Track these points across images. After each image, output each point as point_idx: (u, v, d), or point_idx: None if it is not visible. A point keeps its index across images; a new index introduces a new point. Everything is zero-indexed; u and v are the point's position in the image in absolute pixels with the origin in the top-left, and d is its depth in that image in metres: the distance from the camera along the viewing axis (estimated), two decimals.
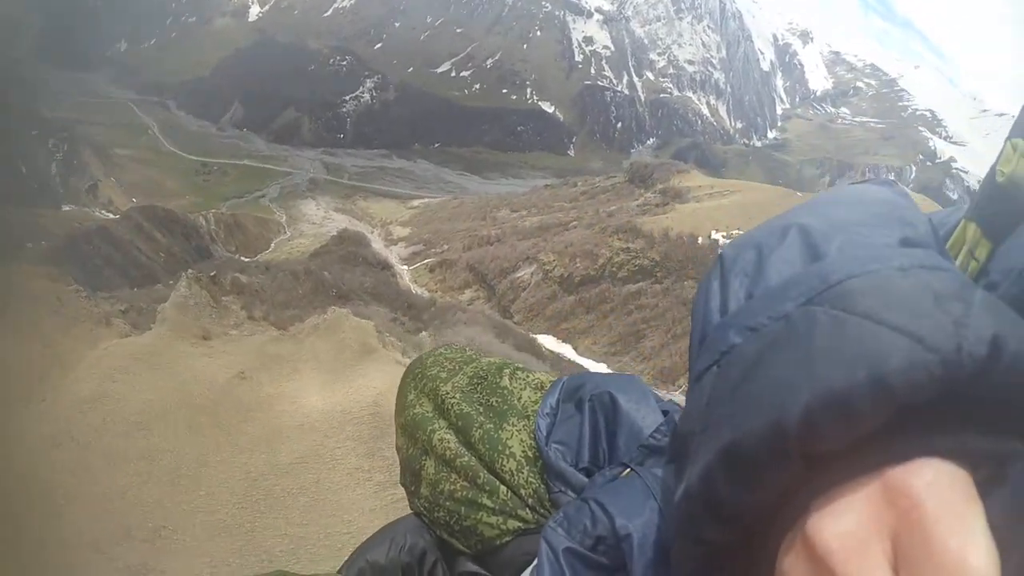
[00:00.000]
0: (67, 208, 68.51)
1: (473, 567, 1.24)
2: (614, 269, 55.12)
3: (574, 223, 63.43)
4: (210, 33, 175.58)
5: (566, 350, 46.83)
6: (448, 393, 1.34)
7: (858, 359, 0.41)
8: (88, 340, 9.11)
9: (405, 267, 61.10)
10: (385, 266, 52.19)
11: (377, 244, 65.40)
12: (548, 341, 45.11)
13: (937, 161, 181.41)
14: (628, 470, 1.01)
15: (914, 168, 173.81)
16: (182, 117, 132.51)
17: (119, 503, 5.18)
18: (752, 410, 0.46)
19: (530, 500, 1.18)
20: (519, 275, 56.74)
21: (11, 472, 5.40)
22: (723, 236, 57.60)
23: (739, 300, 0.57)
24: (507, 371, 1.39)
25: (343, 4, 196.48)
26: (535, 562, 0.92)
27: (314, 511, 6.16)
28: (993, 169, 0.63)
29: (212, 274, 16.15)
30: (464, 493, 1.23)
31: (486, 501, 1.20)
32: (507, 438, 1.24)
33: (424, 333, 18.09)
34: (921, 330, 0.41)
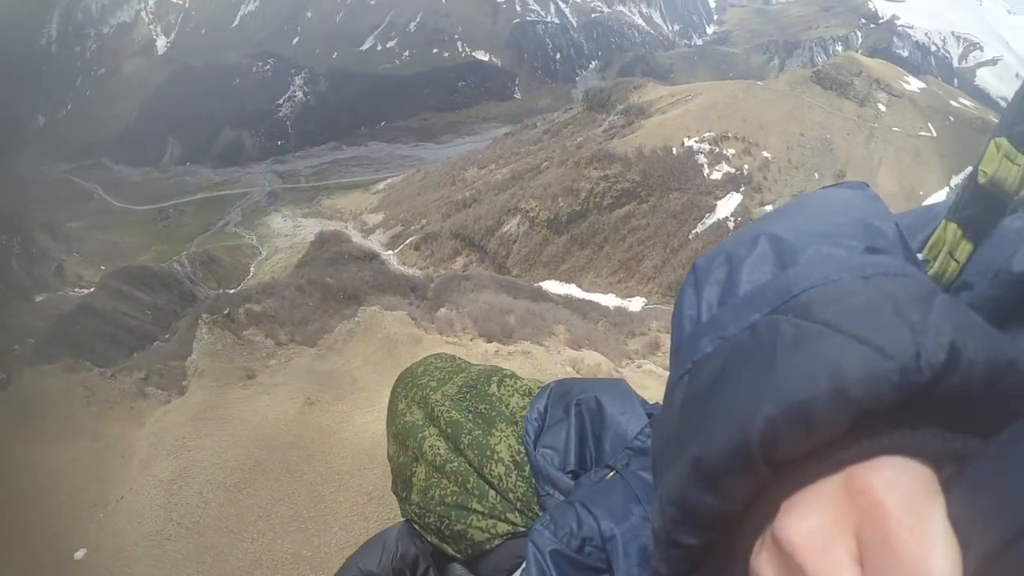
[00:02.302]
0: (40, 298, 67.20)
1: (463, 572, 1.28)
2: (597, 199, 54.90)
3: (546, 164, 62.61)
4: (124, 79, 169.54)
5: (572, 290, 46.76)
6: (438, 401, 1.37)
7: (819, 368, 0.42)
8: (133, 420, 8.68)
9: (390, 252, 60.45)
10: (372, 256, 51.42)
11: (357, 237, 64.50)
12: (552, 286, 44.87)
13: (880, 22, 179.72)
14: (613, 472, 1.03)
15: (859, 34, 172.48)
16: (122, 171, 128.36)
17: (260, 572, 4.86)
18: (718, 421, 0.47)
19: (518, 504, 1.22)
20: (505, 229, 56.43)
21: None
22: (696, 141, 57.47)
23: (711, 309, 0.57)
24: (495, 379, 1.41)
25: (249, 8, 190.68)
26: (523, 564, 0.95)
27: None
28: (975, 169, 0.62)
29: (226, 312, 15.68)
30: (454, 498, 1.26)
31: (475, 505, 1.23)
32: (495, 443, 1.28)
33: (443, 309, 17.77)
34: (880, 338, 0.42)
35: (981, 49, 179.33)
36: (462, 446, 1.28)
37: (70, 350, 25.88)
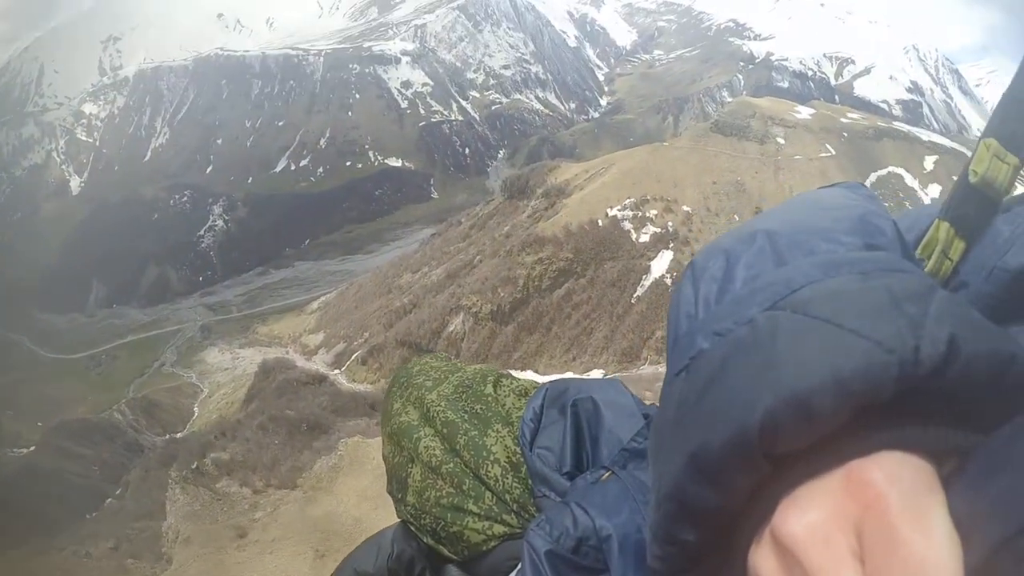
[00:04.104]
0: None
1: (459, 573, 1.27)
2: (536, 283, 55.46)
3: (478, 257, 63.28)
4: (41, 222, 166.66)
5: (530, 376, 46.42)
6: (433, 401, 1.35)
7: (818, 362, 0.43)
8: None
9: (337, 371, 59.22)
10: (321, 379, 50.23)
11: (300, 361, 63.03)
12: None
13: (757, 61, 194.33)
14: (609, 473, 1.03)
15: (741, 77, 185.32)
16: (48, 318, 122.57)
17: None
18: (717, 415, 0.47)
19: (515, 505, 1.21)
20: (451, 328, 56.22)
21: None
22: (618, 210, 59.33)
23: (708, 305, 0.58)
24: (491, 379, 1.39)
25: (159, 142, 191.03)
26: (519, 566, 0.95)
27: None
28: (966, 169, 0.63)
29: (195, 466, 15.04)
30: (450, 499, 1.25)
31: (472, 507, 1.23)
32: (491, 444, 1.26)
33: None
34: (879, 332, 0.43)
35: (853, 62, 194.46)
36: (458, 447, 1.27)
37: (17, 521, 24.27)
